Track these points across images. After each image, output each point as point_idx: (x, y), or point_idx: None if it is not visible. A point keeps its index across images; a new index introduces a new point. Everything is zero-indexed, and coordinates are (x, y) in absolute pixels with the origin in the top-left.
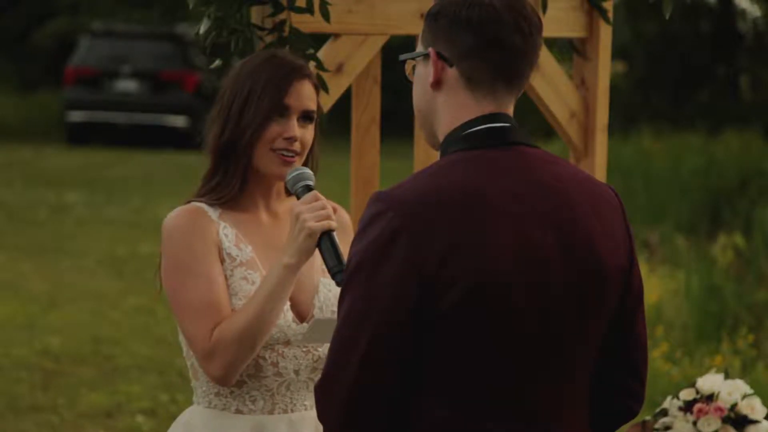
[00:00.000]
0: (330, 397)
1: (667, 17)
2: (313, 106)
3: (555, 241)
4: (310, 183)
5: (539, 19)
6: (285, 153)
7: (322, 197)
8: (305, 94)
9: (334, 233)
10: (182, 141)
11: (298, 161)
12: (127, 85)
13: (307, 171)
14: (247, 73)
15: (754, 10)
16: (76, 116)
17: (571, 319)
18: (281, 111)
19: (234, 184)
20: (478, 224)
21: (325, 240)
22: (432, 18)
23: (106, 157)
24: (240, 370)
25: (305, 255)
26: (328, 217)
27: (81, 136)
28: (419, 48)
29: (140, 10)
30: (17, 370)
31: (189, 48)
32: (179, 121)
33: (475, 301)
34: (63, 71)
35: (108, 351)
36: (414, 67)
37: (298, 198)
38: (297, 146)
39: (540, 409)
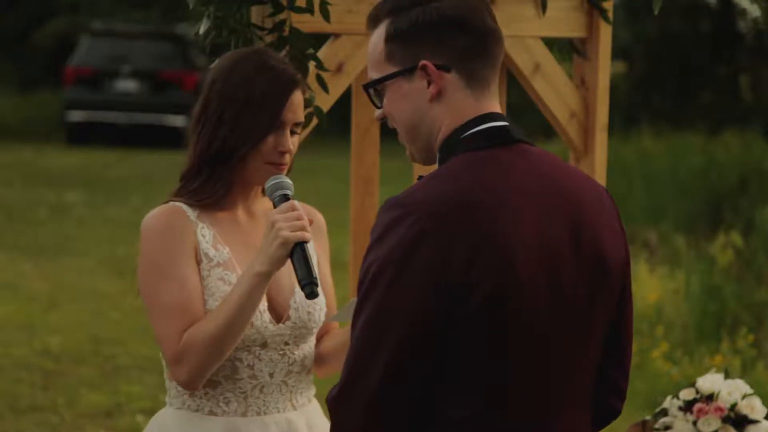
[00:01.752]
0: (350, 405)
1: (656, 12)
2: (302, 116)
3: (568, 237)
4: (288, 192)
5: None
6: (277, 165)
7: (299, 207)
8: (298, 105)
9: (307, 245)
10: (182, 141)
11: (285, 169)
12: (127, 85)
13: (287, 180)
14: (241, 80)
15: (754, 10)
16: (76, 116)
17: (583, 316)
18: (279, 125)
19: (218, 190)
20: (499, 225)
21: (297, 251)
22: (403, 35)
23: (106, 157)
24: (207, 375)
25: (277, 264)
26: (303, 228)
27: (81, 136)
28: (384, 69)
29: (140, 10)
30: (17, 370)
31: (189, 48)
32: (179, 121)
33: (498, 301)
34: (63, 71)
35: (108, 351)
36: (380, 91)
37: (275, 206)
38: (288, 158)
39: (554, 406)
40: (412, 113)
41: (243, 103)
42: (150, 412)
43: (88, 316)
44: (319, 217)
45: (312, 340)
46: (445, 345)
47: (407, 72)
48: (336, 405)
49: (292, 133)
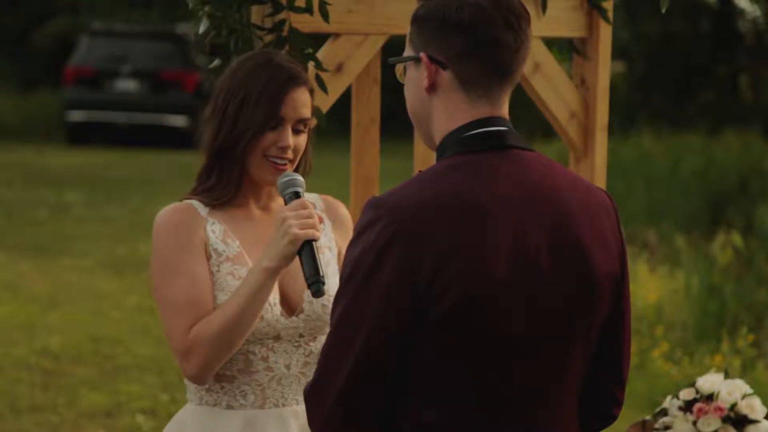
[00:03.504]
0: (321, 402)
1: (663, 10)
2: (307, 114)
3: (547, 247)
4: (299, 190)
5: (526, 10)
6: (277, 161)
7: (310, 206)
8: (301, 102)
9: (315, 243)
10: (182, 141)
11: (290, 167)
12: (127, 85)
13: (299, 178)
14: (243, 77)
15: (754, 10)
16: (76, 116)
17: (561, 325)
18: (276, 122)
19: (229, 189)
20: (472, 230)
21: (306, 248)
22: (419, 21)
23: (106, 157)
24: (215, 369)
25: (285, 260)
26: (313, 226)
27: (81, 136)
28: (408, 51)
29: (140, 10)
30: (17, 370)
31: (189, 48)
32: (179, 121)
33: (469, 306)
34: (63, 71)
35: (108, 351)
36: (404, 69)
37: (286, 204)
38: (290, 154)
39: (529, 412)
40: (414, 99)
41: (242, 99)
42: (150, 412)
43: (88, 316)
44: (340, 208)
45: None
46: (416, 347)
47: (415, 59)
48: (309, 399)
49: (298, 131)
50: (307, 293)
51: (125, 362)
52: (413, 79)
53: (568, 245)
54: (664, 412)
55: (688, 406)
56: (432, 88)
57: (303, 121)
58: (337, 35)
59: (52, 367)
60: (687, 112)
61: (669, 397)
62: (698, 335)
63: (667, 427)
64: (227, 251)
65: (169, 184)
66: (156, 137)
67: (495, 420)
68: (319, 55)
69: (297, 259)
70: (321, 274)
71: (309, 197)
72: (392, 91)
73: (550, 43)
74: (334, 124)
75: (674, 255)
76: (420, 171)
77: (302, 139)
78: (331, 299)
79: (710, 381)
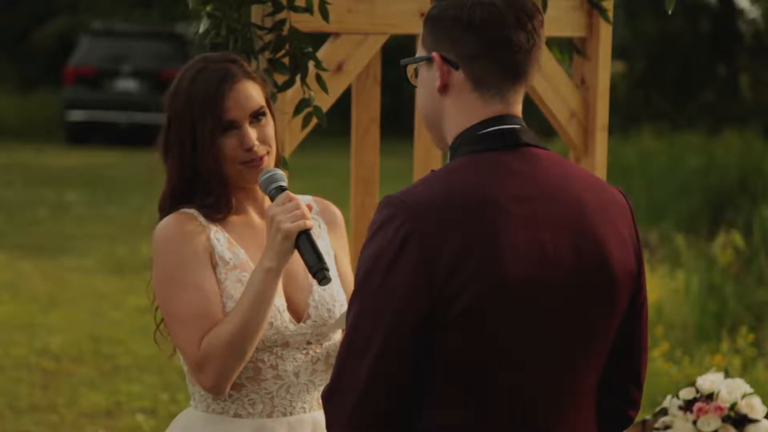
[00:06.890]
0: (340, 404)
1: (669, 12)
2: (258, 103)
3: (565, 244)
4: (283, 184)
5: (540, 12)
6: (252, 161)
7: (296, 197)
8: (244, 97)
9: (311, 231)
10: None
11: (269, 158)
12: (127, 85)
13: (279, 172)
14: (184, 98)
15: (754, 10)
16: (76, 116)
17: (580, 324)
18: (228, 127)
19: (223, 205)
20: (489, 227)
21: (303, 240)
22: (432, 21)
23: (106, 157)
24: (232, 378)
25: (284, 257)
26: (303, 217)
27: (81, 136)
28: (420, 51)
29: (140, 10)
30: (17, 370)
31: (189, 48)
32: None
33: (486, 304)
34: (63, 71)
35: (108, 351)
36: (416, 71)
37: (272, 200)
38: (260, 149)
39: (545, 414)
40: (426, 100)
41: (191, 120)
42: (150, 412)
43: (88, 316)
44: (334, 211)
45: (336, 337)
46: (432, 347)
47: (427, 59)
48: (327, 402)
49: (257, 120)
50: (312, 298)
51: (125, 362)
52: (425, 79)
53: (587, 243)
54: (664, 412)
55: (688, 406)
56: (444, 88)
57: (257, 112)
58: (337, 35)
59: (52, 367)
60: (687, 112)
61: (669, 397)
62: (698, 335)
63: (667, 427)
64: (234, 259)
65: None
66: (156, 137)
67: (510, 422)
68: (319, 54)
69: (298, 262)
70: (323, 261)
71: (303, 199)
72: (392, 91)
73: (550, 43)
74: (334, 124)
75: (674, 255)
76: (433, 170)
77: (267, 127)
78: (336, 304)
79: (710, 380)
